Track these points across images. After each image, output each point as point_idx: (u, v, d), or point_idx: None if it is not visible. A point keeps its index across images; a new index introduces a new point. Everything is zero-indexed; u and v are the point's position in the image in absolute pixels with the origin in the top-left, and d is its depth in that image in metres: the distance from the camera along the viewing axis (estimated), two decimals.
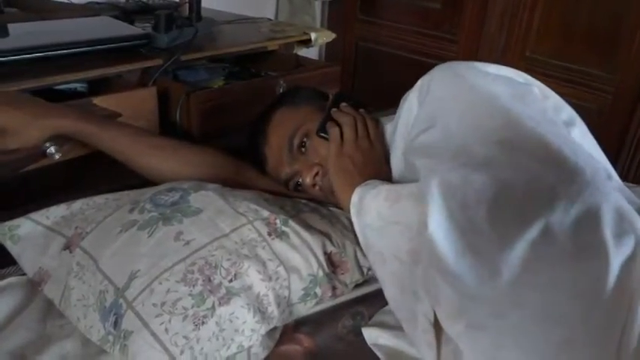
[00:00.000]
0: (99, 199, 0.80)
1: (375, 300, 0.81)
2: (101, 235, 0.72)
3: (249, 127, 0.96)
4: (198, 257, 0.66)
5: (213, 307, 0.63)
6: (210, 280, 0.64)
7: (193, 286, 0.63)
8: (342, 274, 0.78)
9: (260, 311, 0.66)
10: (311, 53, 2.29)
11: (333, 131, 0.82)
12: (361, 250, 0.80)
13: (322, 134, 0.84)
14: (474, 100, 0.69)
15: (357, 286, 0.82)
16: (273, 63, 1.37)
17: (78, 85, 1.12)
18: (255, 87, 1.16)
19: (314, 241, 0.75)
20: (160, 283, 0.64)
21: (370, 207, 0.71)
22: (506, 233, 0.55)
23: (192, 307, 0.62)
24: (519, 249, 0.54)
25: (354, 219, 0.73)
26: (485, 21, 1.88)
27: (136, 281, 0.64)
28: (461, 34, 1.95)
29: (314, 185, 0.87)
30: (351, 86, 2.25)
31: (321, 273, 0.74)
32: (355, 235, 0.81)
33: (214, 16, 1.42)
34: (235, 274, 0.66)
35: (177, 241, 0.68)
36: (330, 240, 0.78)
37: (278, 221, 0.75)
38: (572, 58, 1.67)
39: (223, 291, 0.64)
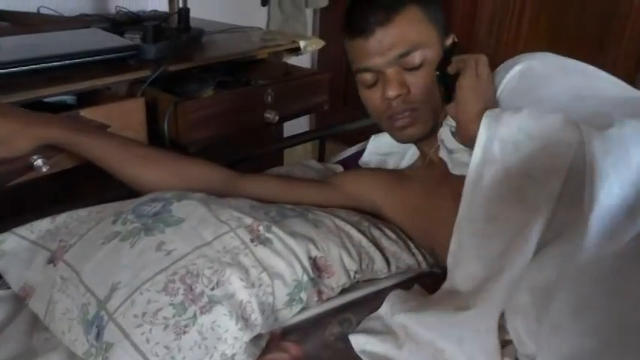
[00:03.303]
0: (83, 212, 0.81)
1: (363, 306, 0.81)
2: (84, 247, 0.72)
3: None
4: (179, 266, 0.66)
5: (194, 316, 0.63)
6: (191, 289, 0.64)
7: (174, 295, 0.64)
8: (328, 277, 0.78)
9: (243, 318, 0.66)
10: (303, 61, 2.30)
11: (469, 58, 0.81)
12: (346, 252, 0.81)
13: (438, 74, 0.82)
14: None
15: (345, 292, 0.82)
16: (262, 71, 1.37)
17: (67, 98, 1.12)
18: (244, 96, 1.17)
19: (298, 247, 0.75)
20: (141, 294, 0.64)
21: (510, 121, 0.71)
22: None
23: (174, 316, 0.62)
24: None
25: (482, 129, 0.72)
26: (474, 25, 1.89)
27: (118, 293, 0.64)
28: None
29: (386, 101, 0.86)
30: (342, 93, 2.26)
31: (305, 278, 0.74)
32: (341, 237, 0.82)
33: (205, 26, 1.43)
34: (217, 282, 0.66)
35: (158, 251, 0.68)
36: (315, 244, 0.78)
37: (261, 228, 0.75)
38: None
39: (205, 299, 0.64)
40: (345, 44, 0.91)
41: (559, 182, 0.66)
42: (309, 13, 2.22)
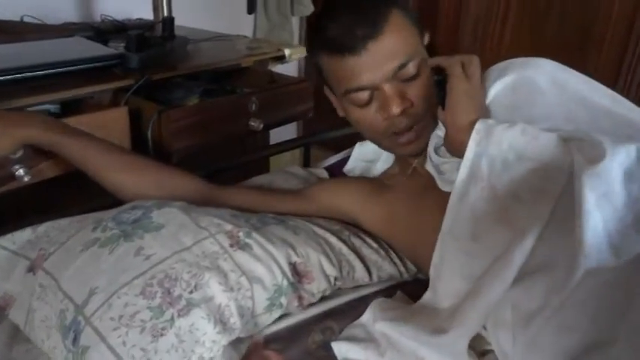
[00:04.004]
0: (64, 222, 0.81)
1: (345, 314, 0.81)
2: (63, 255, 0.72)
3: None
4: (158, 271, 0.67)
5: (172, 319, 0.63)
6: (169, 293, 0.65)
7: (152, 298, 0.64)
8: (308, 283, 0.79)
9: (221, 322, 0.67)
10: (290, 69, 2.32)
11: (455, 61, 0.76)
12: (326, 258, 0.81)
13: (437, 78, 0.78)
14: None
15: (327, 299, 0.82)
16: (248, 79, 1.38)
17: (51, 107, 1.12)
18: (228, 104, 1.17)
19: (278, 252, 0.76)
20: (119, 298, 0.64)
21: (502, 137, 0.68)
22: None
23: (151, 319, 0.62)
24: None
25: (471, 144, 0.69)
26: (458, 34, 1.92)
27: (95, 297, 0.65)
28: (435, 45, 1.98)
29: (389, 119, 0.80)
30: (328, 101, 2.27)
31: (285, 283, 0.74)
32: (320, 244, 0.82)
33: (190, 35, 1.44)
34: (196, 286, 0.66)
35: (137, 256, 0.68)
36: (295, 250, 0.78)
37: (241, 234, 0.75)
38: None
39: (183, 302, 0.65)
40: (320, 62, 0.83)
41: (548, 206, 0.64)
42: (295, 21, 2.24)
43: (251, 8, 2.11)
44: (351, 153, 1.24)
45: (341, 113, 0.91)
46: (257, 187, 1.07)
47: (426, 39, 0.87)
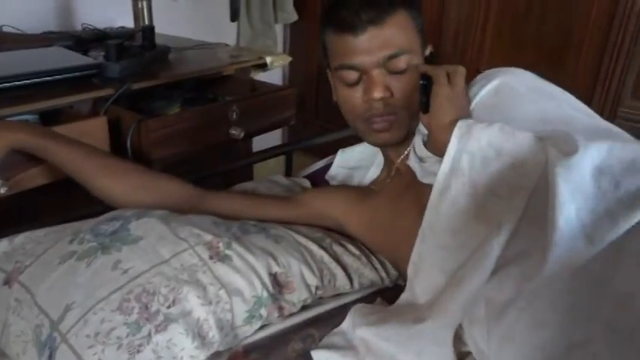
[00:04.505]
0: (40, 233, 0.80)
1: (326, 322, 0.81)
2: (40, 268, 0.72)
3: None
4: (135, 285, 0.66)
5: (149, 335, 0.62)
6: (147, 308, 0.64)
7: (129, 314, 0.63)
8: (289, 293, 0.78)
9: (200, 336, 0.66)
10: (275, 76, 2.32)
11: (441, 70, 0.81)
12: (308, 268, 0.81)
13: (423, 83, 0.82)
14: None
15: (308, 307, 0.83)
16: (229, 88, 1.38)
17: (29, 117, 1.11)
18: (208, 113, 1.17)
19: (258, 263, 0.75)
20: (95, 314, 0.63)
21: (481, 135, 0.71)
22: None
23: (127, 335, 0.62)
24: None
25: (453, 140, 0.73)
26: (440, 40, 1.93)
27: (71, 313, 0.64)
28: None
29: (368, 102, 0.85)
30: (314, 107, 2.28)
31: (265, 294, 0.74)
32: (302, 253, 0.82)
33: (172, 43, 1.43)
34: (174, 300, 0.66)
35: (114, 270, 0.68)
36: (276, 260, 0.78)
37: (221, 245, 0.75)
38: None
39: (161, 318, 0.64)
40: (325, 38, 0.90)
41: (522, 201, 0.67)
42: (278, 28, 2.24)
43: (234, 16, 2.10)
44: (332, 160, 1.25)
45: (335, 97, 0.95)
46: (244, 192, 1.08)
47: (428, 50, 0.92)
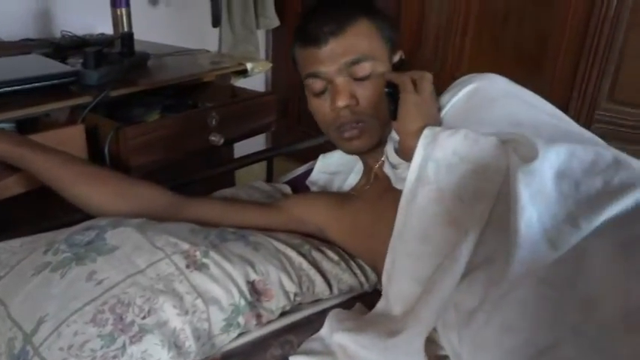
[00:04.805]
0: (15, 243, 0.79)
1: (305, 327, 0.81)
2: (14, 279, 0.71)
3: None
4: (110, 296, 0.66)
5: (123, 347, 0.62)
6: (121, 319, 0.64)
7: (103, 326, 0.63)
8: (267, 301, 0.78)
9: (176, 346, 0.66)
10: (257, 82, 2.32)
11: (406, 78, 0.83)
12: (286, 275, 0.81)
13: (388, 90, 0.84)
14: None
15: (285, 314, 0.83)
16: (210, 94, 1.38)
17: (6, 125, 1.10)
18: (187, 120, 1.17)
19: (236, 271, 0.75)
20: (68, 326, 0.63)
21: (446, 143, 0.73)
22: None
23: (102, 348, 0.61)
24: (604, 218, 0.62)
25: (419, 149, 0.74)
26: (421, 45, 1.95)
27: (44, 325, 0.63)
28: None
29: (335, 110, 0.87)
30: (297, 112, 2.29)
31: (243, 302, 0.74)
32: (280, 260, 0.82)
33: (152, 49, 1.43)
34: (149, 311, 0.66)
35: (89, 280, 0.67)
36: (254, 268, 0.78)
37: (198, 253, 0.75)
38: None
39: (136, 329, 0.64)
40: (295, 53, 0.93)
41: (487, 206, 0.68)
42: (261, 34, 2.24)
43: (216, 22, 2.11)
44: (314, 165, 1.25)
45: (309, 106, 0.97)
46: (224, 199, 1.07)
47: (398, 57, 0.94)
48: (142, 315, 0.65)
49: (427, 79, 0.83)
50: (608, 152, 0.72)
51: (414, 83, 0.82)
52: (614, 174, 0.68)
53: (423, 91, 0.81)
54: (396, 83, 0.83)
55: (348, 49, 0.85)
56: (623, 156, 0.73)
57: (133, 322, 0.64)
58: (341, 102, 0.86)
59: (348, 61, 0.85)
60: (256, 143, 1.92)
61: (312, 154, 1.28)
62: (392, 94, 0.83)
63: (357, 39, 0.85)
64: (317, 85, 0.89)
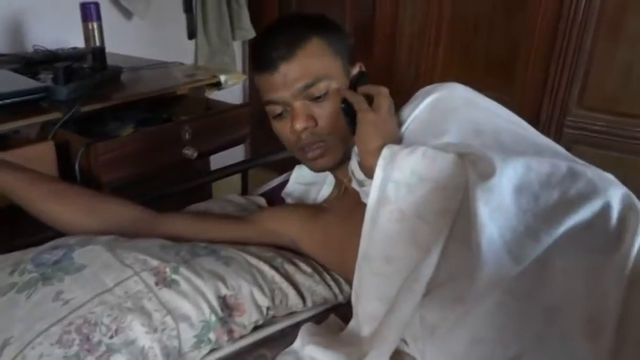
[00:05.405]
0: None
1: (278, 341, 0.81)
2: None
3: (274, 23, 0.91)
4: (76, 316, 0.65)
5: None
6: (88, 339, 0.63)
7: (69, 347, 0.62)
8: (239, 315, 0.78)
9: None
10: (235, 94, 2.32)
11: (360, 97, 0.83)
12: (258, 289, 0.81)
13: (344, 106, 0.84)
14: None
15: (259, 328, 0.83)
16: (184, 107, 1.38)
17: None
18: (160, 134, 1.16)
19: (206, 287, 0.75)
20: (33, 348, 0.62)
21: (404, 163, 0.73)
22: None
23: None
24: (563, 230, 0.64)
25: (378, 171, 0.74)
26: (395, 53, 1.97)
27: (9, 349, 0.62)
28: (373, 66, 2.03)
29: (295, 133, 0.87)
30: None
31: (214, 318, 0.74)
32: (252, 274, 0.82)
33: (126, 63, 1.42)
34: (117, 330, 0.65)
35: (55, 301, 0.66)
36: (225, 283, 0.78)
37: (168, 270, 0.74)
38: (475, 84, 1.81)
39: (103, 348, 0.63)
40: (254, 78, 0.93)
41: (447, 224, 0.69)
42: (237, 45, 2.25)
43: (191, 34, 2.11)
44: (289, 177, 1.25)
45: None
46: (198, 213, 1.07)
47: (356, 69, 0.92)
48: (109, 334, 0.64)
49: (384, 94, 0.83)
50: (563, 163, 0.73)
51: (371, 99, 0.82)
52: (571, 185, 0.69)
53: (379, 107, 0.81)
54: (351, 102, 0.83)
55: (301, 73, 0.84)
56: (578, 165, 0.74)
57: (100, 342, 0.64)
58: (299, 125, 0.85)
59: (302, 85, 0.84)
60: (235, 154, 1.92)
61: (291, 165, 1.28)
62: (347, 110, 0.84)
63: (309, 61, 0.84)
64: (275, 109, 0.89)
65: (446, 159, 0.72)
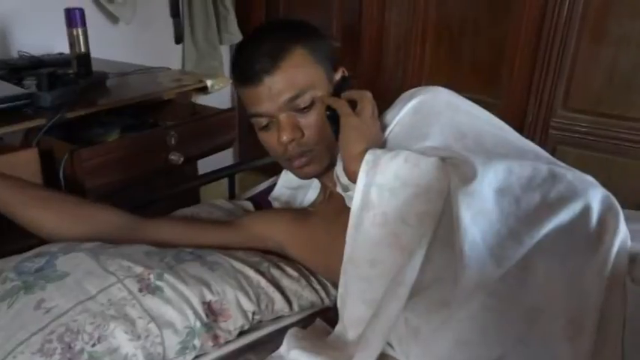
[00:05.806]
0: None
1: (265, 346, 0.81)
2: None
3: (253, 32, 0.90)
4: (58, 325, 0.64)
5: None
6: (70, 348, 0.63)
7: (51, 356, 0.61)
8: (225, 321, 0.78)
9: None
10: (224, 98, 2.31)
11: (343, 102, 0.83)
12: (244, 294, 0.81)
13: (329, 113, 0.84)
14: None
15: (244, 333, 0.82)
16: (170, 112, 1.37)
17: None
18: (145, 139, 1.16)
19: (191, 292, 0.75)
20: (15, 357, 0.61)
21: (387, 167, 0.73)
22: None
23: None
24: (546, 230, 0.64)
25: (361, 175, 0.74)
26: (382, 56, 1.98)
27: None
28: (361, 68, 2.04)
29: (282, 145, 0.86)
30: None
31: (198, 324, 0.74)
32: (238, 279, 0.82)
33: (112, 69, 1.41)
34: (99, 338, 0.65)
35: (37, 309, 0.66)
36: (210, 288, 0.78)
37: (152, 276, 0.74)
38: (461, 87, 1.82)
39: (85, 357, 0.63)
40: (236, 89, 0.92)
41: (430, 227, 0.69)
42: (225, 49, 2.24)
43: (178, 39, 2.10)
44: (277, 180, 1.25)
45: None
46: (185, 218, 1.07)
47: (340, 74, 0.92)
48: (91, 342, 0.64)
49: (367, 98, 0.83)
50: (544, 166, 0.74)
51: (354, 104, 0.83)
52: (551, 187, 0.70)
53: (363, 111, 0.81)
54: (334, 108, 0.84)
55: (286, 86, 0.83)
56: (559, 168, 0.75)
57: (82, 350, 0.63)
58: (286, 137, 0.85)
59: (287, 98, 0.83)
60: (224, 158, 1.91)
61: (280, 168, 1.28)
62: (332, 116, 0.84)
63: (293, 72, 0.83)
64: (261, 121, 0.88)
65: (428, 163, 0.72)
